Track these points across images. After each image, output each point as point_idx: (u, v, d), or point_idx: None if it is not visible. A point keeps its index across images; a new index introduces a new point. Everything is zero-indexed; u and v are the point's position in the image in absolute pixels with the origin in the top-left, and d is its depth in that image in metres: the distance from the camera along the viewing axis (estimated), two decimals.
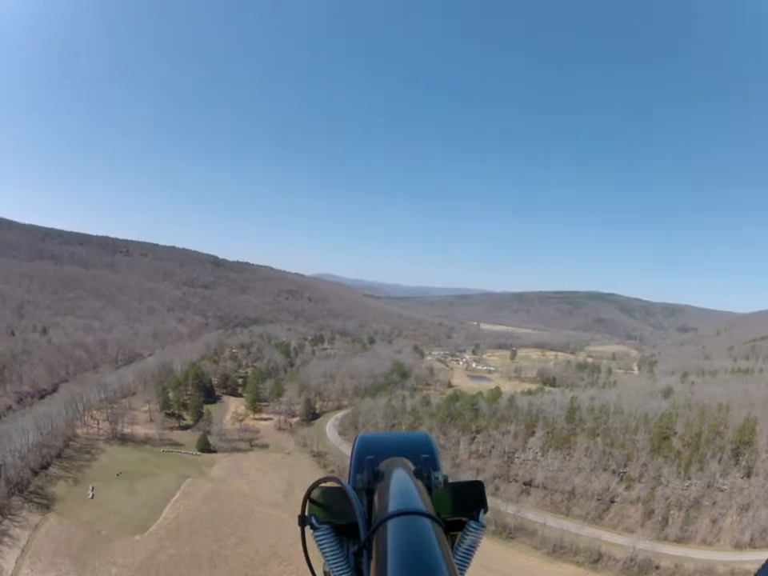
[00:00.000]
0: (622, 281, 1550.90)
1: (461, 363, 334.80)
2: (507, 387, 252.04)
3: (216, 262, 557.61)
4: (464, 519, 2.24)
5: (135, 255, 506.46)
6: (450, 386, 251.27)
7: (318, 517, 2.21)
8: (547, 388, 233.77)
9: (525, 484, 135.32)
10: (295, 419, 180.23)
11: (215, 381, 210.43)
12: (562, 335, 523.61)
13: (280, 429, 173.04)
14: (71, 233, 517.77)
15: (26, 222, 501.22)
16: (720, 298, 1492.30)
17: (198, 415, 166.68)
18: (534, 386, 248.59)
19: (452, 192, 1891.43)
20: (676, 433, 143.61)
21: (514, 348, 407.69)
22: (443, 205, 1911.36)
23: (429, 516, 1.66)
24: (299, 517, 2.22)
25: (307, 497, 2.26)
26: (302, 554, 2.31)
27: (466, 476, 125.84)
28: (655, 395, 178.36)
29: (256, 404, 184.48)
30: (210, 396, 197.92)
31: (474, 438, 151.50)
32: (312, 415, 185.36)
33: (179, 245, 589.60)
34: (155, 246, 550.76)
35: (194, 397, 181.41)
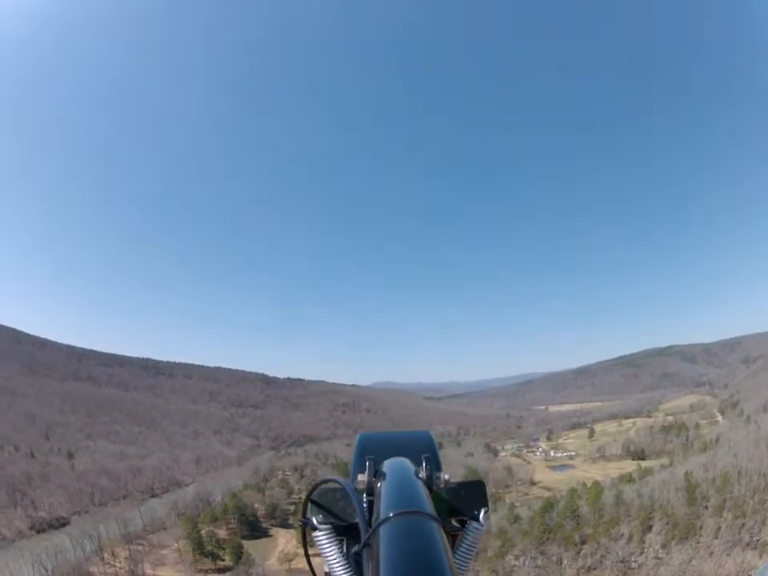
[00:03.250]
0: (676, 329, 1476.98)
1: (538, 454, 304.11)
2: (593, 471, 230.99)
3: (266, 380, 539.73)
4: (465, 519, 2.24)
5: (179, 377, 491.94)
6: (532, 483, 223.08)
7: (319, 517, 2.20)
8: (643, 464, 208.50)
9: None
10: None
11: (262, 511, 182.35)
12: (633, 400, 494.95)
13: None
14: (110, 354, 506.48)
15: (61, 341, 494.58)
16: None
17: (238, 556, 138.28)
18: (623, 464, 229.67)
19: (492, 278, 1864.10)
20: None
21: (588, 425, 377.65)
22: (488, 293, 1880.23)
23: (429, 516, 1.64)
24: (300, 518, 2.23)
25: (308, 497, 2.25)
26: (303, 554, 2.35)
27: None
28: None
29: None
30: (256, 530, 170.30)
31: (580, 551, 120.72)
32: None
33: (226, 365, 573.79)
34: (201, 367, 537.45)
35: (234, 534, 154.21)
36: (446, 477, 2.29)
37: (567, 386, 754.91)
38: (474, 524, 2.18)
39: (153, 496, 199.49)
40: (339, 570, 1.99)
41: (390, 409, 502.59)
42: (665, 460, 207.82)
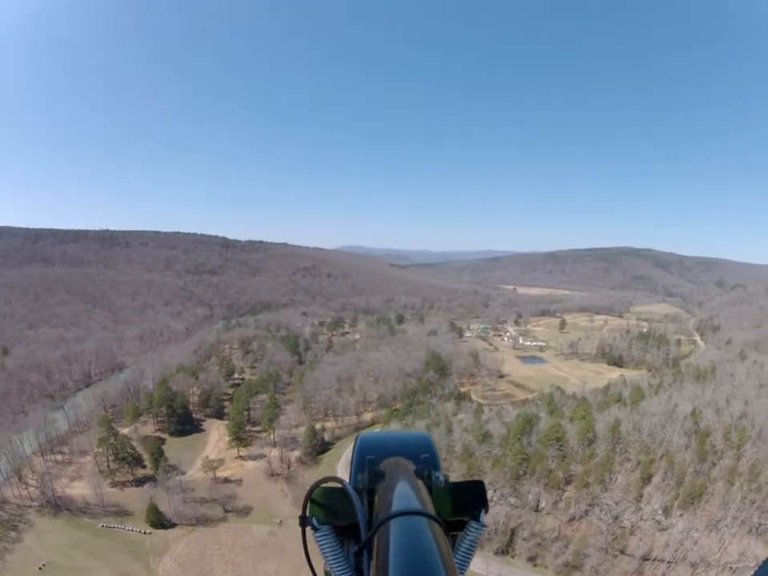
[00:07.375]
0: (653, 235, 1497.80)
1: (506, 339, 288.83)
2: (567, 369, 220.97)
3: (226, 244, 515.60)
4: (465, 519, 2.28)
5: (135, 246, 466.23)
6: (500, 375, 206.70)
7: (318, 517, 2.22)
8: (624, 373, 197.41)
9: (641, 559, 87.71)
10: (296, 454, 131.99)
11: (195, 399, 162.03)
12: (603, 296, 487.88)
13: (272, 475, 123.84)
14: (65, 230, 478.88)
15: (18, 226, 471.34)
16: (754, 251, 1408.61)
17: (159, 464, 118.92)
18: (599, 368, 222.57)
19: (475, 153, 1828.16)
20: None
21: (558, 314, 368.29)
22: (466, 166, 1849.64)
23: (429, 516, 1.67)
24: (300, 517, 2.23)
25: (308, 497, 2.26)
26: (303, 554, 2.32)
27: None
28: None
29: (243, 434, 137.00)
30: (187, 423, 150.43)
31: (563, 495, 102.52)
32: (320, 446, 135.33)
33: (185, 229, 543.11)
34: (157, 233, 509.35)
35: (161, 431, 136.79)
36: (445, 477, 2.33)
37: (536, 269, 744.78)
38: (474, 524, 2.21)
39: (88, 385, 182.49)
40: (339, 570, 2.04)
41: (352, 274, 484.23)
42: (647, 373, 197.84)
